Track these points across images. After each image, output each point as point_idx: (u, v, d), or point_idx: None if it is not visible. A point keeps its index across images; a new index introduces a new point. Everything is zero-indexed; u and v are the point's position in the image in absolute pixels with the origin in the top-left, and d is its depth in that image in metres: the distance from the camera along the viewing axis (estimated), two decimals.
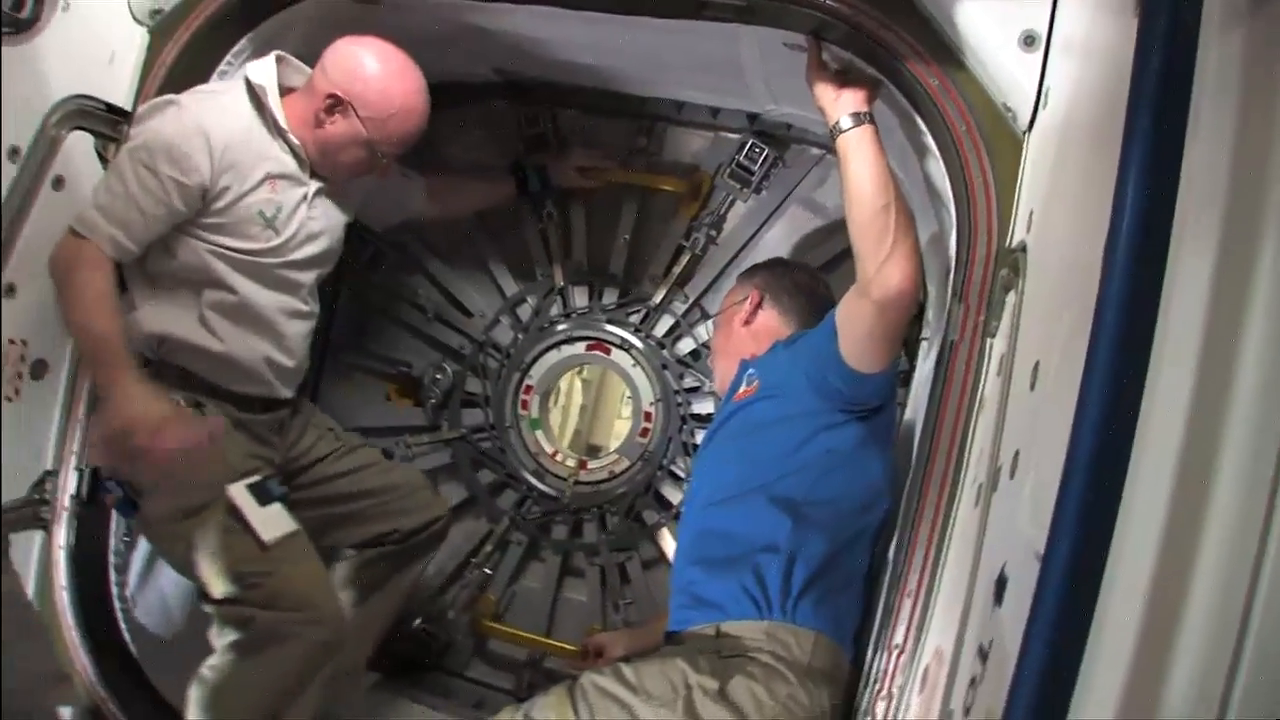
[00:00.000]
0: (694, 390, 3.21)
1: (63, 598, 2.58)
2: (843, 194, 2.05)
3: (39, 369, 2.51)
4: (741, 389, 2.40)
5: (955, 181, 2.05)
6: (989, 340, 1.89)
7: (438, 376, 3.37)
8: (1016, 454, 1.46)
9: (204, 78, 2.56)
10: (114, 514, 2.66)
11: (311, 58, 2.44)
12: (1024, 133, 1.96)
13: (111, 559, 2.72)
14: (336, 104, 2.37)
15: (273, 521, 2.34)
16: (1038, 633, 0.97)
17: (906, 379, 2.70)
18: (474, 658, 3.38)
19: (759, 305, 2.58)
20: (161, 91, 2.48)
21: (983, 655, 1.31)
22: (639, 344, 3.21)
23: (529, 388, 3.33)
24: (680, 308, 3.24)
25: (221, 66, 2.60)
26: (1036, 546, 1.05)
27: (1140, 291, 1.01)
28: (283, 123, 2.40)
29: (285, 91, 2.45)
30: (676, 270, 3.22)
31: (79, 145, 2.46)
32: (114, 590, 2.72)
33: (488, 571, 3.34)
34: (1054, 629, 0.96)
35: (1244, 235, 0.99)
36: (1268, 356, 0.96)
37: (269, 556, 2.31)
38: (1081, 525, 0.97)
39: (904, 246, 1.97)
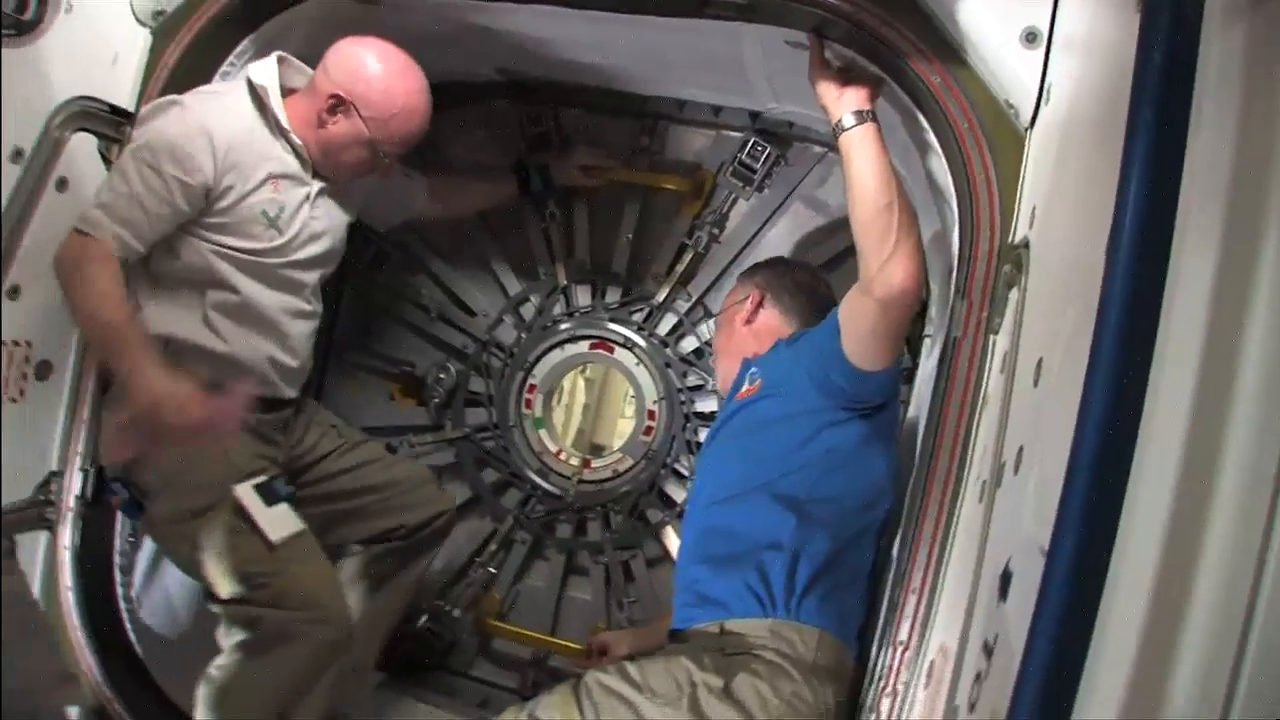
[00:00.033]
0: (697, 388, 3.21)
1: (68, 598, 2.58)
2: (845, 192, 2.05)
3: (43, 370, 2.51)
4: (744, 387, 2.40)
5: (958, 178, 2.05)
6: (992, 337, 1.89)
7: (441, 376, 3.38)
8: (1020, 450, 1.46)
9: (206, 79, 2.56)
10: (119, 514, 2.66)
11: (313, 58, 2.44)
12: (1026, 129, 1.96)
13: (116, 559, 2.72)
14: (339, 104, 2.38)
15: (280, 521, 2.35)
16: (1043, 628, 0.97)
17: (909, 376, 2.70)
18: (479, 657, 3.39)
19: (760, 304, 2.58)
20: (164, 93, 2.48)
21: (988, 650, 1.31)
22: (642, 342, 3.22)
23: (532, 387, 3.33)
24: (683, 306, 3.24)
25: (224, 67, 2.61)
26: (1041, 541, 1.05)
27: (1143, 287, 1.01)
28: (285, 123, 2.40)
29: (287, 92, 2.45)
30: (679, 269, 3.22)
31: (82, 147, 2.46)
32: (119, 590, 2.72)
33: (492, 570, 3.34)
34: (1059, 623, 0.96)
35: (1246, 230, 0.99)
36: (1271, 351, 0.96)
37: (276, 556, 2.32)
38: (1086, 520, 0.97)
39: (907, 244, 1.97)
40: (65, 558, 2.59)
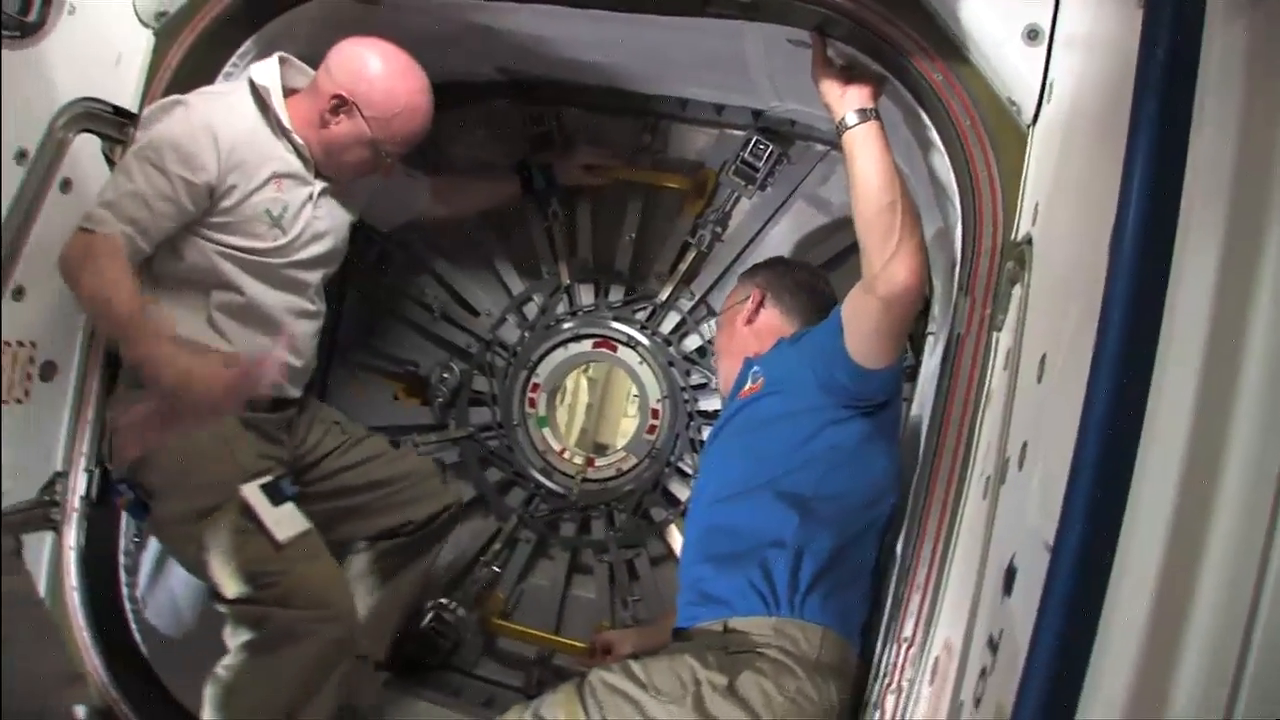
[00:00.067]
0: (701, 387, 3.22)
1: (73, 598, 2.59)
2: (848, 190, 2.05)
3: (48, 371, 2.52)
4: (747, 386, 2.40)
5: (960, 176, 2.05)
6: (995, 334, 1.89)
7: (445, 375, 3.39)
8: (1024, 445, 1.46)
9: (209, 79, 2.57)
10: (123, 515, 2.67)
11: (316, 59, 2.45)
12: (1028, 126, 1.96)
13: (121, 560, 2.73)
14: (341, 104, 2.38)
15: (286, 521, 2.35)
16: (1048, 622, 0.97)
17: (912, 374, 2.70)
18: (483, 655, 3.39)
19: (761, 304, 2.58)
20: (167, 93, 2.49)
21: (992, 646, 1.31)
22: (645, 341, 3.22)
23: (536, 386, 3.34)
24: (686, 305, 3.24)
25: (226, 68, 2.61)
26: (1046, 536, 1.05)
27: (1146, 283, 1.01)
28: (287, 123, 2.41)
29: (289, 92, 2.46)
30: (682, 267, 3.22)
31: (86, 148, 2.47)
32: (124, 591, 2.74)
33: (496, 569, 3.34)
34: (1064, 618, 0.96)
35: (1249, 226, 0.99)
36: (1274, 346, 0.96)
37: (283, 556, 2.32)
38: (1090, 515, 0.97)
39: (910, 243, 1.98)
40: (70, 558, 2.60)
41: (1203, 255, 1.00)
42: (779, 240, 3.15)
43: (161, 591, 2.84)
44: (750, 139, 3.07)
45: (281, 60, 2.45)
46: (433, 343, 3.49)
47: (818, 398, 2.23)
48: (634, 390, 3.41)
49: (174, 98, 2.36)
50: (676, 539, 3.18)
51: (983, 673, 1.34)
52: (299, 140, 2.43)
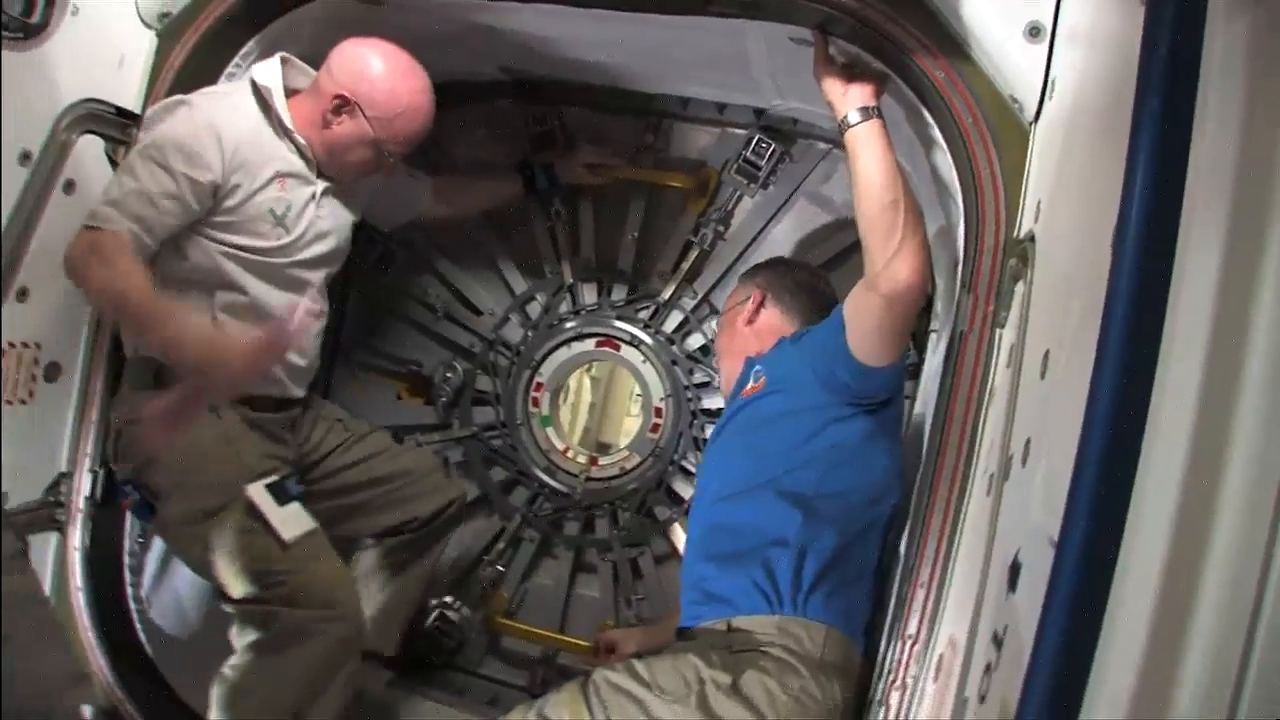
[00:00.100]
0: (704, 385, 3.22)
1: (78, 599, 2.60)
2: (851, 188, 2.06)
3: (52, 372, 2.52)
4: (749, 385, 2.40)
5: (962, 173, 2.06)
6: (998, 331, 1.89)
7: (448, 375, 3.39)
8: (1028, 442, 1.46)
9: (212, 80, 2.58)
10: (128, 515, 2.68)
11: (318, 59, 2.45)
12: (1030, 123, 1.96)
13: (126, 560, 2.74)
14: (343, 104, 2.39)
15: (292, 520, 2.36)
16: (1053, 618, 0.97)
17: (915, 372, 2.70)
18: (487, 655, 3.39)
19: (761, 304, 2.58)
20: (170, 94, 2.49)
21: (997, 641, 1.31)
22: (648, 340, 3.22)
23: (539, 385, 3.34)
24: (689, 303, 3.25)
25: (229, 69, 2.62)
26: (1050, 532, 1.05)
27: (1149, 280, 1.01)
28: (289, 123, 2.41)
29: (291, 93, 2.46)
30: (685, 266, 3.23)
31: (89, 149, 2.47)
32: (129, 591, 2.74)
33: (500, 568, 3.35)
34: (1069, 613, 0.96)
35: (1252, 222, 0.99)
36: (1278, 342, 0.96)
37: (290, 555, 2.33)
38: (1095, 510, 0.97)
39: (912, 241, 1.98)
40: (75, 559, 2.60)
41: (1205, 251, 1.00)
42: (781, 238, 3.15)
43: (166, 591, 2.85)
44: (752, 138, 3.07)
45: (283, 60, 2.46)
46: (436, 342, 3.49)
47: (820, 396, 2.23)
48: (637, 389, 3.41)
49: (177, 98, 2.36)
50: (680, 537, 3.18)
51: (987, 669, 1.34)
52: (301, 140, 2.43)
